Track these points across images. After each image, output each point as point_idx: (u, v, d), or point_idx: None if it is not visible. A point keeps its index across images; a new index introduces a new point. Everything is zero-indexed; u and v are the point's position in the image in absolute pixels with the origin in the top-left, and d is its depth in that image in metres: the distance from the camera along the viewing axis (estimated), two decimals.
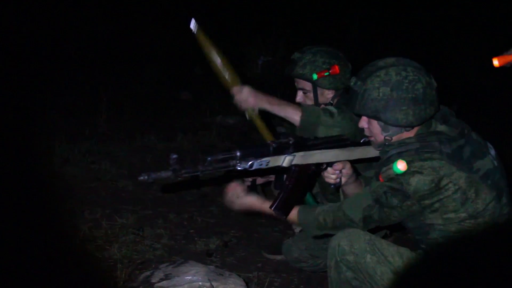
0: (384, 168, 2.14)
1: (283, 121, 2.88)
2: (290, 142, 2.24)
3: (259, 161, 2.13)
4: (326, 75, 2.72)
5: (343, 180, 2.37)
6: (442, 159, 2.05)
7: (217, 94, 6.05)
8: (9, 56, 5.88)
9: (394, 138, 2.18)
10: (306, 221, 2.31)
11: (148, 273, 2.46)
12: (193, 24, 2.63)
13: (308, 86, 2.81)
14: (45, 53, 6.42)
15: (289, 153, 2.23)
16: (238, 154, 2.08)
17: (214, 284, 2.34)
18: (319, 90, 2.80)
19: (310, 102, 2.84)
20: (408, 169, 2.04)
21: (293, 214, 2.34)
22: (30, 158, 4.00)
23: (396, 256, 2.17)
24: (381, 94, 2.09)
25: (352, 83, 2.20)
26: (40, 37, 6.66)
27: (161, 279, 2.37)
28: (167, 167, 1.92)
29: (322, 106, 2.83)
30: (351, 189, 2.42)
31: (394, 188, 2.08)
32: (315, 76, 2.73)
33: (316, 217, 2.27)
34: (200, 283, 2.34)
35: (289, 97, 2.95)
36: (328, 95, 2.82)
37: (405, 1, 7.97)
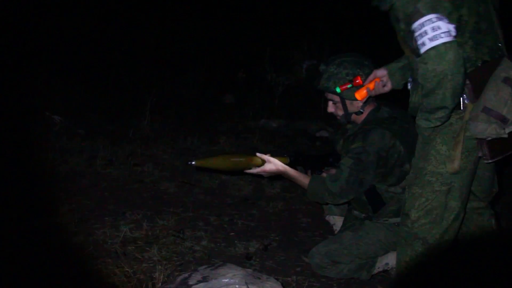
0: None
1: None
2: None
3: None
4: (350, 87, 2.71)
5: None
6: None
7: (260, 97, 6.04)
8: (56, 59, 6.04)
9: None
10: None
11: (186, 274, 2.45)
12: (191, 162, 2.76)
13: (336, 97, 2.83)
14: (91, 56, 6.57)
15: None
16: None
17: (251, 287, 2.32)
18: (347, 101, 2.81)
19: (340, 112, 2.86)
20: None
21: None
22: (74, 159, 4.08)
23: None
24: None
25: None
26: (87, 41, 6.82)
27: (199, 281, 2.35)
28: None
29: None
30: None
31: None
32: (338, 90, 2.73)
33: None
34: (237, 286, 2.32)
35: None
36: (357, 104, 2.82)
37: None
